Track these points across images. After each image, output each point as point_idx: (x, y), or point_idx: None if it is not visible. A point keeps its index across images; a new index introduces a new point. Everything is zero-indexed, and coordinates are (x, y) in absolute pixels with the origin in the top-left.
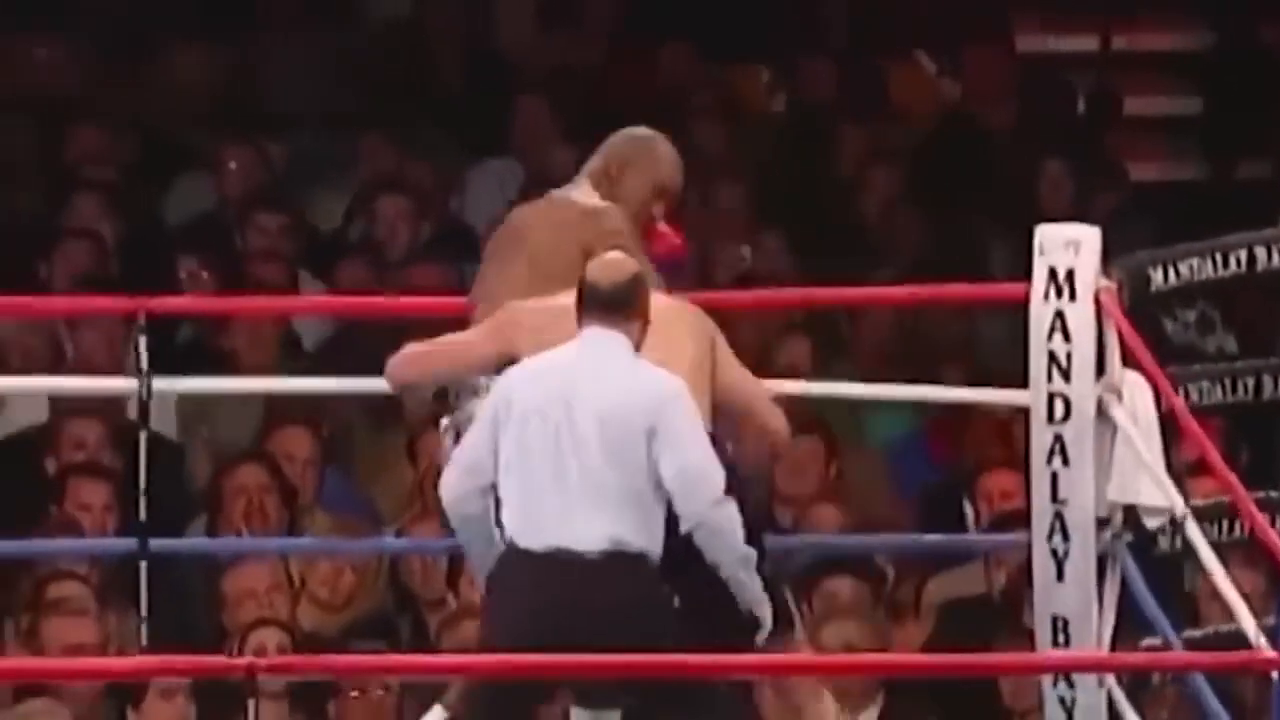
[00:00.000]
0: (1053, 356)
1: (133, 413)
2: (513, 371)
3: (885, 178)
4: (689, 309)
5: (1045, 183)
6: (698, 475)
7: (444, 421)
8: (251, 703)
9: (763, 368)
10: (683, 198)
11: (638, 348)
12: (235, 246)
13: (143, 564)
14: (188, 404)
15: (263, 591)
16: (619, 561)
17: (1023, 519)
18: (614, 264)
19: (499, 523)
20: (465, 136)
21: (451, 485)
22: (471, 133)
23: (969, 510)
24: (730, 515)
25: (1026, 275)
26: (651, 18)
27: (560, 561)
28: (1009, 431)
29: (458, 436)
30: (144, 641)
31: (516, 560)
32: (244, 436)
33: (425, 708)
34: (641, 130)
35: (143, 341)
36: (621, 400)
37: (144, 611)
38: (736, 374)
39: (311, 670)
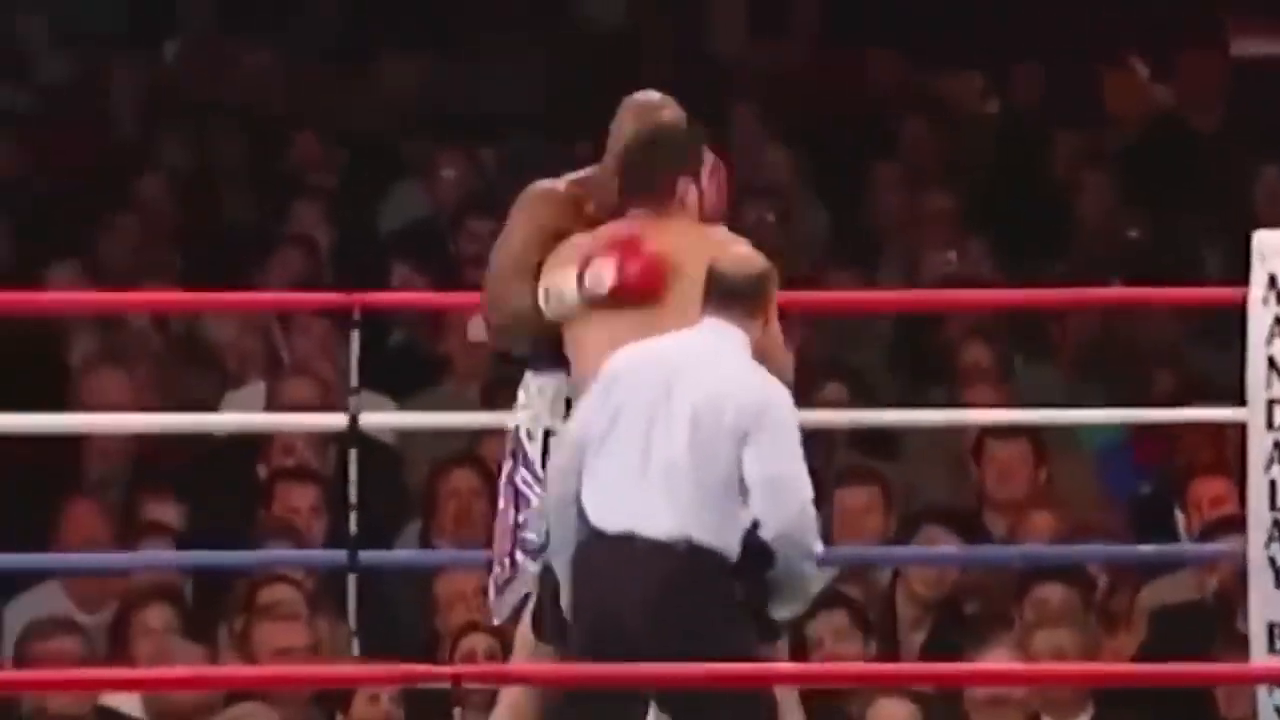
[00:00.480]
0: (1272, 362)
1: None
2: (625, 350)
3: (1096, 182)
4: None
5: (1261, 188)
6: (789, 485)
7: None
8: (458, 710)
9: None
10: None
11: (754, 346)
12: (448, 252)
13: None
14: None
15: (472, 594)
16: (688, 556)
17: (1235, 525)
18: (745, 260)
19: (580, 502)
20: None
21: (559, 464)
22: None
23: (1180, 516)
24: (811, 524)
25: (1240, 280)
26: (858, 24)
27: (631, 544)
28: (1220, 437)
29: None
30: (355, 645)
31: (595, 542)
32: (458, 440)
33: None
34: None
35: (356, 336)
36: (721, 397)
37: (353, 617)
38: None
39: (517, 679)
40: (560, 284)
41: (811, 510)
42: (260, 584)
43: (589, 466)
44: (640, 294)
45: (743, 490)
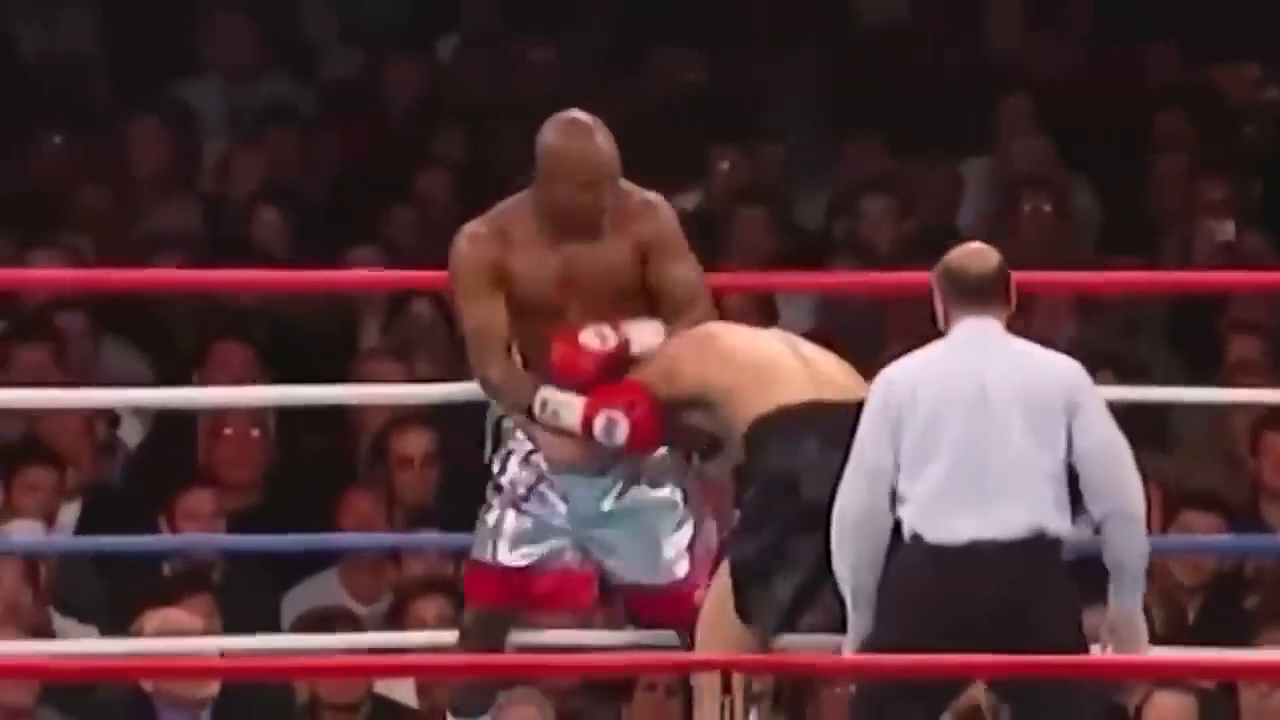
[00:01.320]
0: None
1: None
2: (895, 373)
3: None
4: None
5: None
6: (1119, 454)
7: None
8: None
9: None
10: None
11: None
12: (719, 244)
13: None
14: None
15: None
16: (1040, 548)
17: None
18: (980, 252)
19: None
20: (953, 136)
21: (857, 494)
22: (959, 133)
23: None
24: (1143, 510)
25: None
26: (1132, 19)
27: (980, 552)
28: None
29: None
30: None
31: (926, 555)
32: None
33: None
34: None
35: None
36: (1038, 380)
37: None
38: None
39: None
40: (561, 410)
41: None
42: None
43: (902, 489)
44: (646, 448)
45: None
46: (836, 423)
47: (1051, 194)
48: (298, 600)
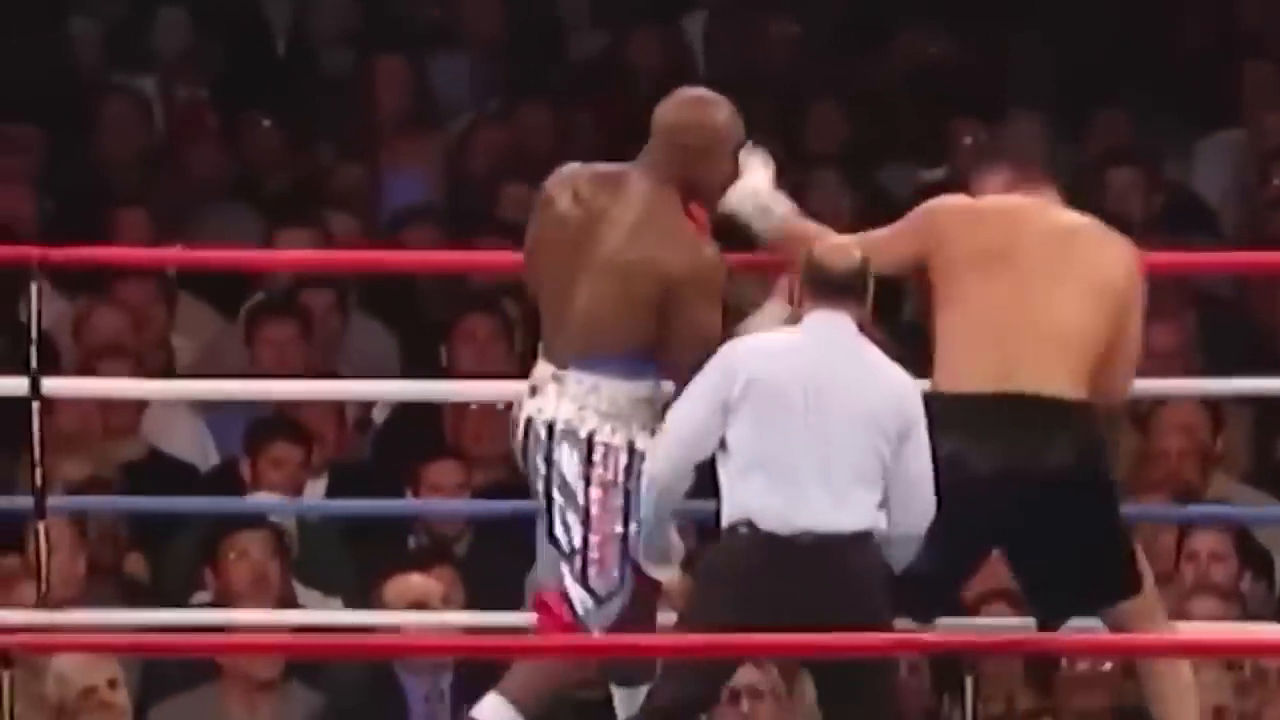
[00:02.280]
0: None
1: None
2: (738, 347)
3: None
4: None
5: None
6: (928, 487)
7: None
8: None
9: None
10: None
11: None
12: None
13: None
14: None
15: None
16: (865, 546)
17: None
18: (842, 249)
19: (718, 499)
20: (1195, 107)
21: (670, 457)
22: (1201, 104)
23: None
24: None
25: None
26: None
27: (812, 544)
28: None
29: None
30: None
31: (758, 541)
32: None
33: None
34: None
35: None
36: (876, 393)
37: None
38: None
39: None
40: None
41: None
42: None
43: (733, 467)
44: None
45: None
46: None
47: None
48: None
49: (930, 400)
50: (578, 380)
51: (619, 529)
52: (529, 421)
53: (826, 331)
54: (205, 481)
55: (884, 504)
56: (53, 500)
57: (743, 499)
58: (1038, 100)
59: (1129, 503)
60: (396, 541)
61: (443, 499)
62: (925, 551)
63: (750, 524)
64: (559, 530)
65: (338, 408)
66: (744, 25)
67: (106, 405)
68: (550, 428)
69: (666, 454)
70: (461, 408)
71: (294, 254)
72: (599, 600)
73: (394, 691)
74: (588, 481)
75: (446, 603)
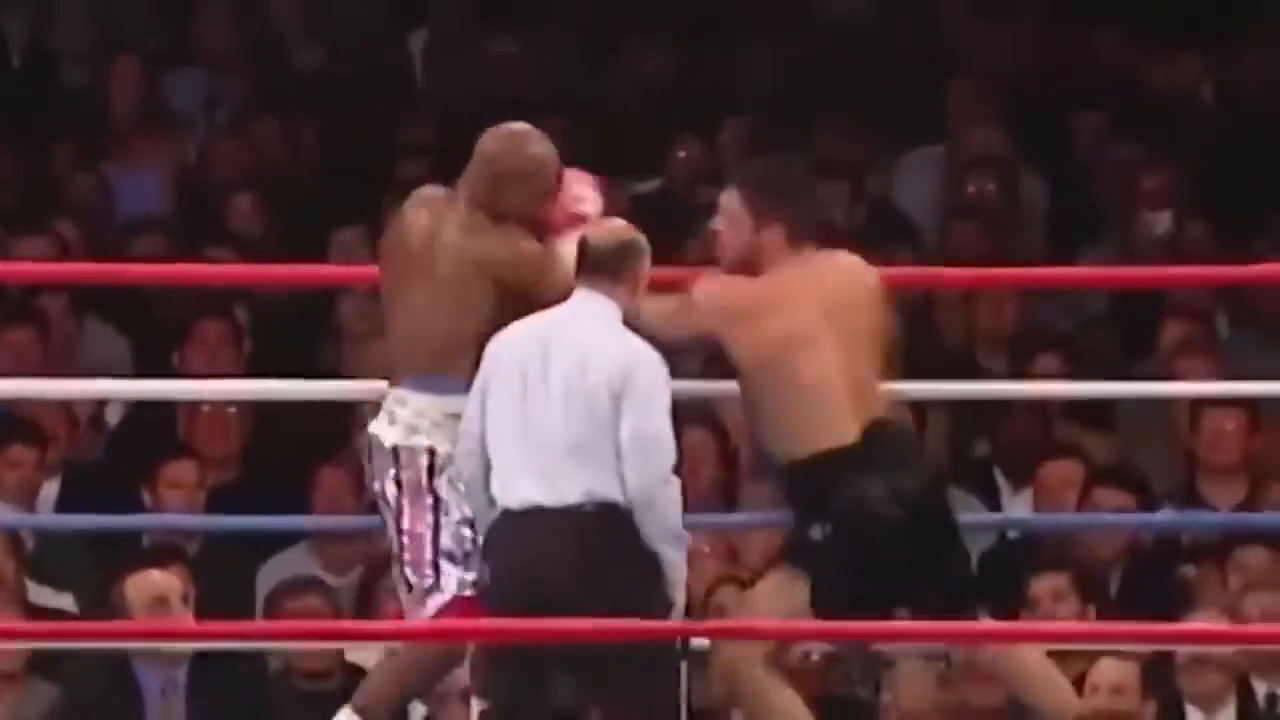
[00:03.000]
0: None
1: None
2: (501, 334)
3: None
4: None
5: None
6: (653, 444)
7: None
8: None
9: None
10: None
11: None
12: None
13: None
14: None
15: None
16: (598, 515)
17: None
18: (610, 228)
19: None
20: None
21: (458, 450)
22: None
23: None
24: (674, 495)
25: None
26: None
27: (536, 518)
28: None
29: None
30: None
31: (502, 519)
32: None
33: None
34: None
35: None
36: (591, 359)
37: None
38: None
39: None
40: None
41: (674, 480)
42: None
43: (490, 449)
44: None
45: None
46: None
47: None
48: (273, 572)
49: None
50: (398, 399)
51: (428, 529)
52: (370, 441)
53: (574, 307)
54: None
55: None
56: None
57: (492, 481)
58: (755, 111)
59: None
60: (130, 540)
61: (179, 498)
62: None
63: (496, 502)
64: (392, 539)
65: (70, 409)
66: (468, 43)
67: None
68: (377, 443)
69: (460, 446)
70: (194, 409)
71: (26, 266)
72: (417, 598)
73: (130, 684)
74: (399, 487)
75: (185, 600)
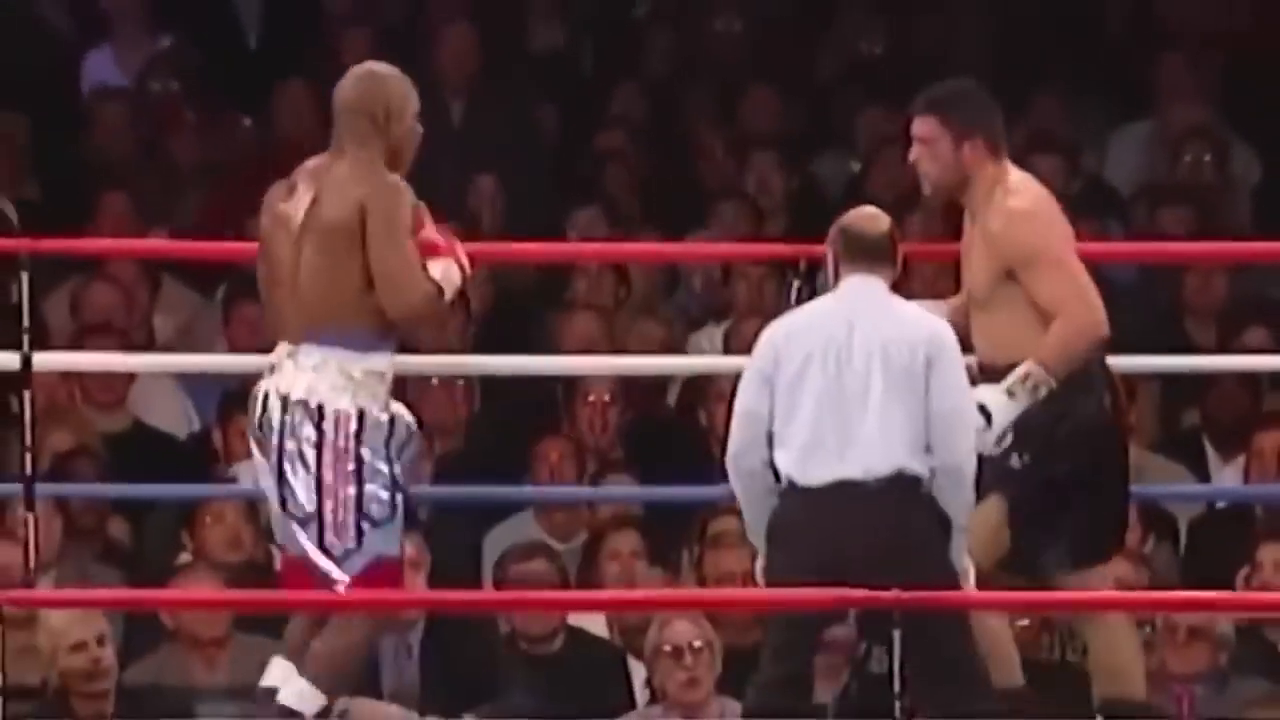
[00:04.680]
0: None
1: None
2: (779, 322)
3: None
4: None
5: None
6: (963, 417)
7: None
8: None
9: None
10: None
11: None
12: None
13: None
14: None
15: None
16: (902, 485)
17: None
18: (874, 217)
19: (775, 469)
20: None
21: (734, 438)
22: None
23: None
24: (973, 468)
25: None
26: None
27: (844, 492)
28: None
29: None
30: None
31: (798, 498)
32: None
33: None
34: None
35: (795, 286)
36: (899, 335)
37: None
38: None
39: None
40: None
41: (973, 458)
42: (710, 516)
43: (777, 435)
44: None
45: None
46: None
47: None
48: (498, 539)
49: None
50: (307, 354)
51: (352, 491)
52: (265, 396)
53: (858, 292)
54: (181, 452)
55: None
56: (40, 487)
57: (783, 463)
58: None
59: None
60: None
61: None
62: None
63: (791, 483)
64: (291, 498)
65: None
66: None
67: (94, 379)
68: (284, 400)
69: (731, 435)
70: (424, 381)
71: None
72: (337, 560)
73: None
74: (319, 449)
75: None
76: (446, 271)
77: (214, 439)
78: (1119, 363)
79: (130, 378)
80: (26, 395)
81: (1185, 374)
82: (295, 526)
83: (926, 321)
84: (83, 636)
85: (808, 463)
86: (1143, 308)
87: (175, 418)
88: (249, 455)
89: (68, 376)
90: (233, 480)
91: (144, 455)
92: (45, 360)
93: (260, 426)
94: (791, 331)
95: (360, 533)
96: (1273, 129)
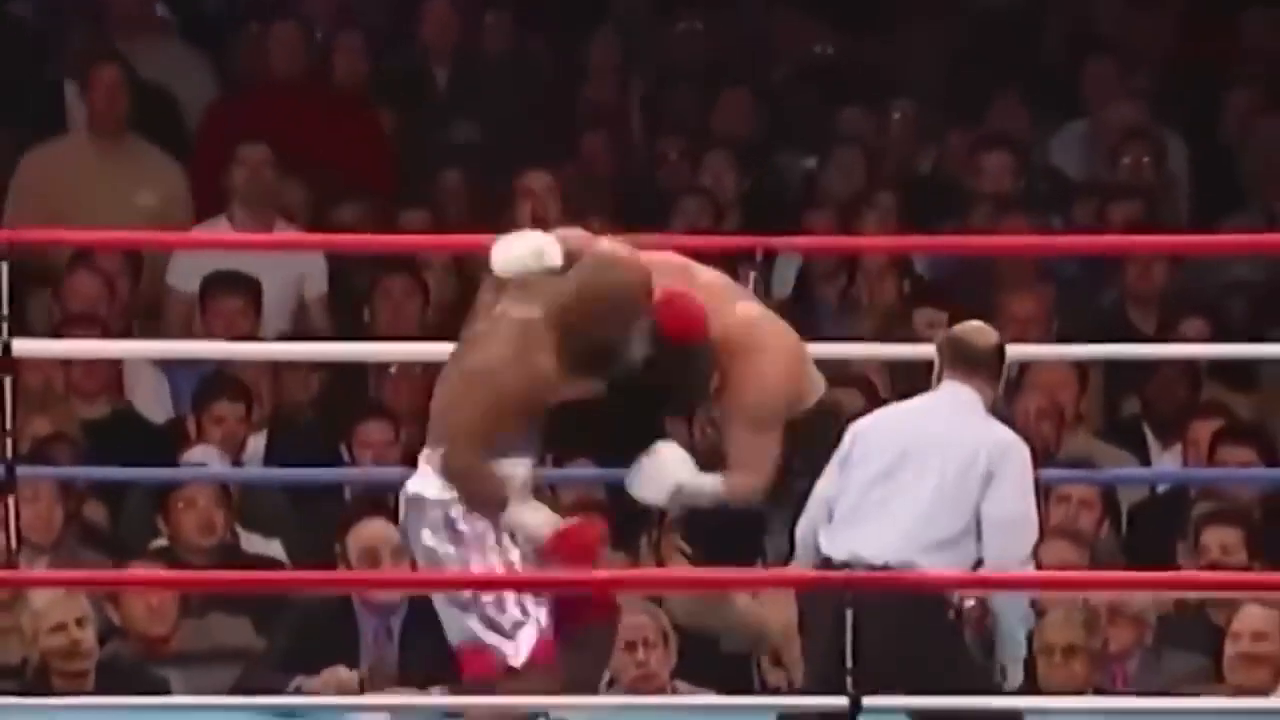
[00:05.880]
0: None
1: None
2: (866, 419)
3: None
4: None
5: None
6: (1019, 525)
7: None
8: None
9: None
10: None
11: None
12: None
13: None
14: None
15: None
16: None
17: None
18: (982, 329)
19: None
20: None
21: (803, 519)
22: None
23: None
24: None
25: None
26: None
27: (857, 569)
28: None
29: None
30: None
31: (820, 567)
32: None
33: None
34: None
35: (752, 278)
36: (968, 439)
37: None
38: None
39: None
40: None
41: (1031, 563)
42: None
43: (837, 513)
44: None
45: (977, 533)
46: None
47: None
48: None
49: None
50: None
51: (503, 566)
52: (403, 498)
53: (949, 396)
54: (156, 437)
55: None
56: (21, 470)
57: (825, 541)
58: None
59: None
60: (333, 491)
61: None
62: None
63: (817, 550)
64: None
65: (274, 367)
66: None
67: (76, 366)
68: (418, 500)
69: (804, 513)
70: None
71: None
72: (507, 635)
73: (351, 626)
74: (459, 536)
75: (395, 553)
76: None
77: (187, 425)
78: (1070, 351)
79: (115, 365)
80: (7, 381)
81: (1127, 363)
82: (463, 616)
83: (1002, 434)
84: (62, 618)
85: (836, 535)
86: (1088, 300)
87: (154, 403)
88: (221, 441)
89: (56, 365)
90: (201, 465)
91: (122, 440)
92: (25, 347)
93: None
94: (875, 424)
95: (523, 604)
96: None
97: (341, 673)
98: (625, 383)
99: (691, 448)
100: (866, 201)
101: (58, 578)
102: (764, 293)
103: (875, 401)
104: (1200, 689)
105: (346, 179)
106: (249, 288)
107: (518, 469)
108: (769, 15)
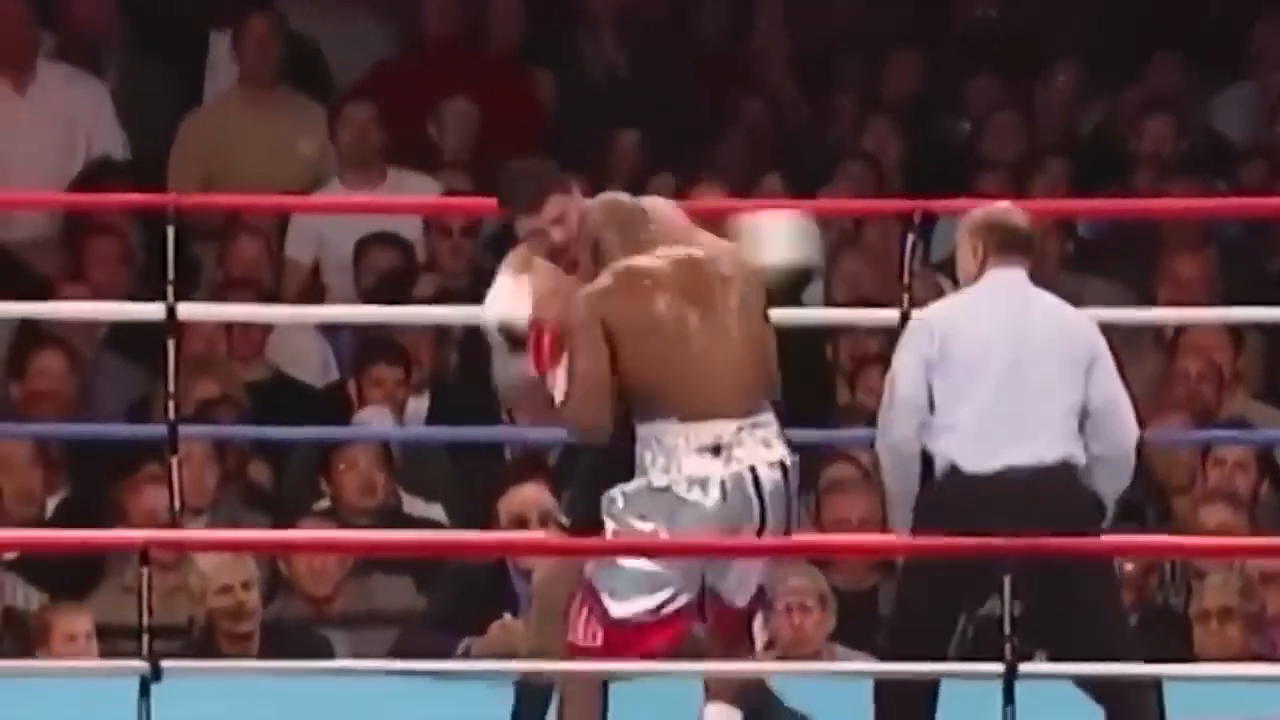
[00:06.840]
0: None
1: None
2: (933, 310)
3: None
4: None
5: None
6: (1126, 407)
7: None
8: None
9: None
10: None
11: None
12: None
13: None
14: None
15: None
16: (1066, 474)
17: None
18: (1017, 210)
19: (928, 452)
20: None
21: (895, 425)
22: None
23: None
24: (1132, 450)
25: None
26: None
27: (1013, 478)
28: None
29: None
30: None
31: (961, 483)
32: None
33: None
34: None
35: (909, 241)
36: (1068, 331)
37: None
38: None
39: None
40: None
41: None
42: (826, 462)
43: (939, 422)
44: None
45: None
46: None
47: None
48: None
49: None
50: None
51: None
52: (753, 471)
53: (1007, 283)
54: (318, 400)
55: (1083, 434)
56: (184, 429)
57: (945, 448)
58: (1081, 51)
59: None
60: (493, 452)
61: None
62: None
63: (954, 468)
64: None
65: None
66: None
67: (235, 330)
68: (783, 467)
69: (892, 419)
70: None
71: None
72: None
73: (508, 592)
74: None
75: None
76: None
77: (348, 388)
78: (1232, 314)
79: (267, 328)
80: (170, 344)
81: None
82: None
83: (1084, 319)
84: (229, 580)
85: (978, 449)
86: (1251, 264)
87: (314, 368)
88: (381, 403)
89: (219, 328)
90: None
91: (284, 403)
92: (190, 310)
93: (759, 501)
94: (950, 322)
95: None
96: None
97: (510, 622)
98: None
99: None
100: (1038, 166)
101: (225, 540)
102: (922, 256)
103: None
104: None
105: (503, 141)
106: (404, 248)
107: None
108: None
